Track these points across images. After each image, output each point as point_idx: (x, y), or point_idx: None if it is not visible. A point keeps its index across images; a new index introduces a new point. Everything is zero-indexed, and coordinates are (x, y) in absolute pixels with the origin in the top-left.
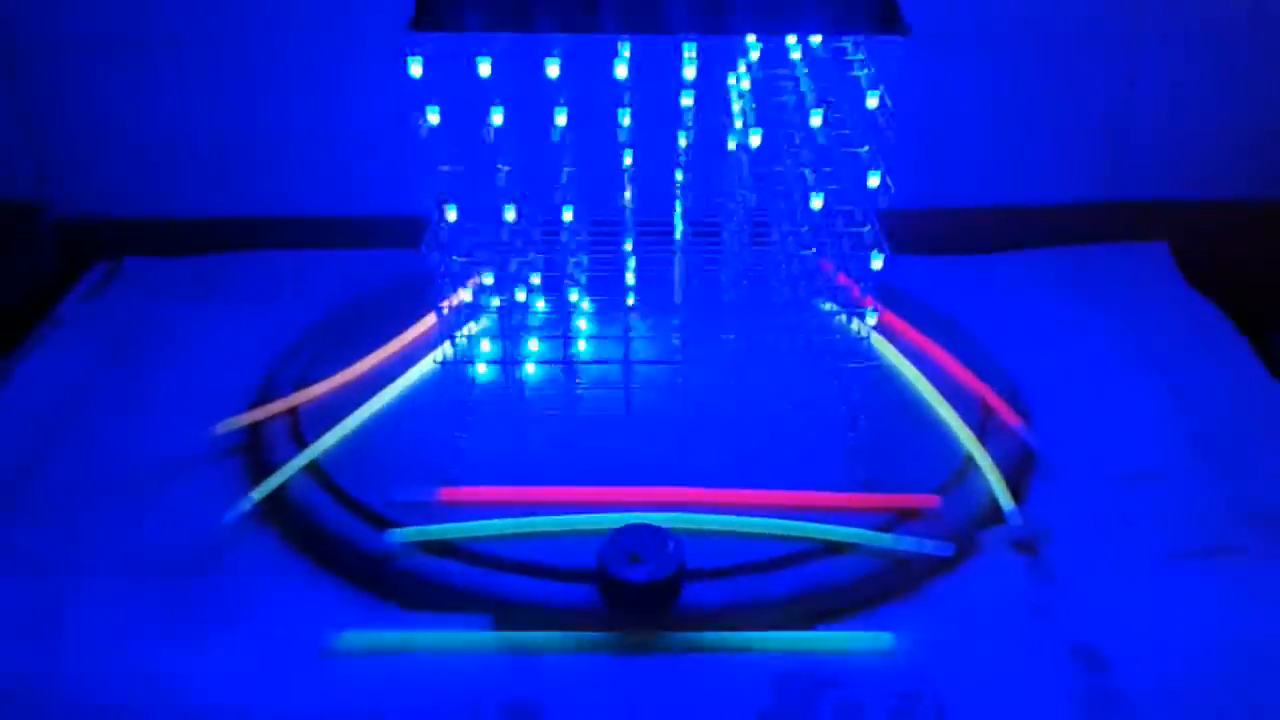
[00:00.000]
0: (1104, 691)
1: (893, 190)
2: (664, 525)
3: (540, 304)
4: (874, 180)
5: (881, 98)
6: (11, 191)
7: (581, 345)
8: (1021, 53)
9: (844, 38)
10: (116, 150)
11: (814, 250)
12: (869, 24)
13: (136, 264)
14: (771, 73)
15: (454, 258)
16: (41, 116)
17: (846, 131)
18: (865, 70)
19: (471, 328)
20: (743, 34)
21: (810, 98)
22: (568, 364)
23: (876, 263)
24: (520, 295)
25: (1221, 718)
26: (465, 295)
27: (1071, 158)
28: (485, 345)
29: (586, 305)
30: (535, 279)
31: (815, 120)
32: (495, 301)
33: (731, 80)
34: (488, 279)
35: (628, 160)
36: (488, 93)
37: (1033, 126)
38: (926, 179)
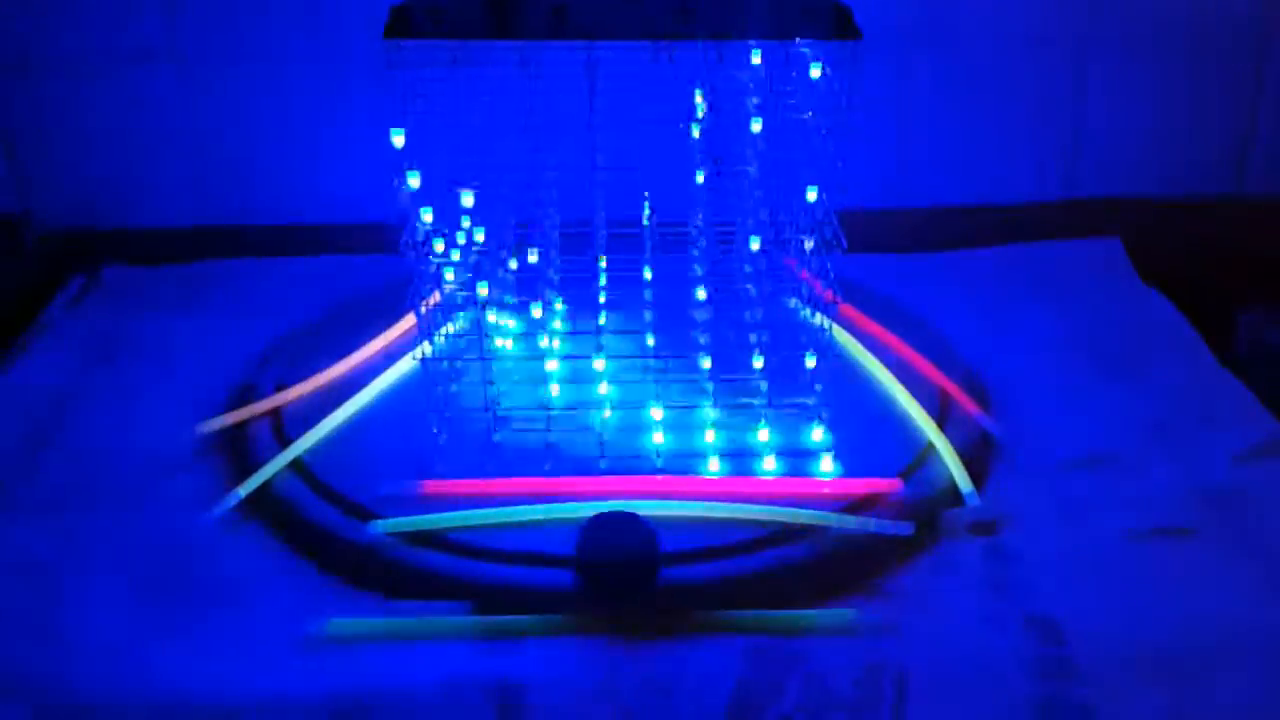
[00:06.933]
0: (1057, 662)
1: (845, 191)
2: (639, 512)
3: (511, 323)
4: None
5: (839, 100)
6: None
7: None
8: (978, 57)
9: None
10: (95, 162)
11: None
12: (822, 30)
13: (117, 273)
14: (736, 76)
15: (431, 258)
16: (21, 130)
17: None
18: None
19: (450, 328)
20: (698, 40)
21: (751, 104)
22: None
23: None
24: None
25: (1169, 687)
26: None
27: (1027, 158)
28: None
29: (559, 305)
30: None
31: (756, 127)
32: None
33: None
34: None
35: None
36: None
37: (990, 128)
38: (890, 179)
